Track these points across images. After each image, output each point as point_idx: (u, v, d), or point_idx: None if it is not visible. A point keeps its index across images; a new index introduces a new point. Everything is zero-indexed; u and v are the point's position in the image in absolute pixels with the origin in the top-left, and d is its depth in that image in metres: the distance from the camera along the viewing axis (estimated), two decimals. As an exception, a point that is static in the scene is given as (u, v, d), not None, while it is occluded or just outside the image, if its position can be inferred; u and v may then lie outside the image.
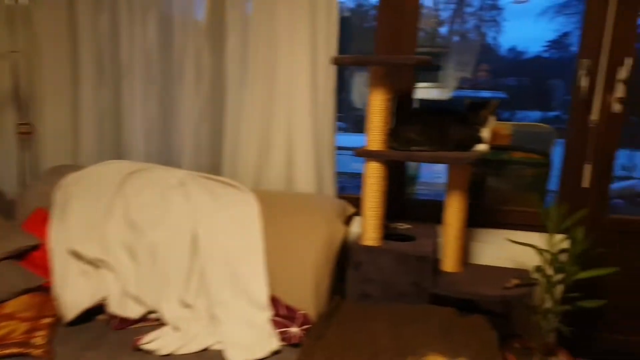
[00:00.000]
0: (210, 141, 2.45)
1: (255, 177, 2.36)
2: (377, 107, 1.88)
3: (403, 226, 2.25)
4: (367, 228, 2.00)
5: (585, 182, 2.15)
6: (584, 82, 2.08)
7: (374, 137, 1.92)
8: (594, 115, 2.09)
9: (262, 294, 1.83)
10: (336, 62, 1.87)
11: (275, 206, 2.05)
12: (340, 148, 2.36)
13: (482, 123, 1.86)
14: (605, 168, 2.13)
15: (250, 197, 2.05)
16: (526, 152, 2.42)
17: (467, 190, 2.00)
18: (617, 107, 2.07)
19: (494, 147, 2.45)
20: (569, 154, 2.17)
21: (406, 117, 1.92)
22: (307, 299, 1.85)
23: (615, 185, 3.59)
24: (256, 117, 2.29)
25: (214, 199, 2.03)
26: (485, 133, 1.87)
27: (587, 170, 2.14)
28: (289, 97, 2.23)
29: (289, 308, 1.82)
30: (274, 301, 1.84)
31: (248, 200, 2.04)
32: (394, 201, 2.40)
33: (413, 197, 2.97)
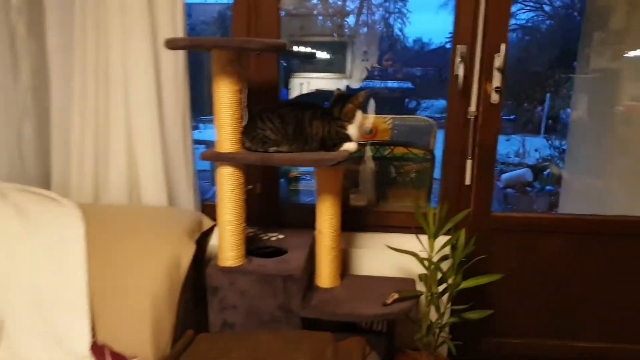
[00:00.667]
0: (36, 144, 1.97)
1: (93, 189, 1.92)
2: (224, 99, 1.55)
3: (276, 236, 1.94)
4: (225, 246, 1.67)
5: (468, 179, 1.99)
6: (460, 71, 1.90)
7: (225, 136, 1.58)
8: (473, 107, 1.93)
9: (82, 342, 1.43)
10: (169, 45, 1.50)
11: (108, 225, 1.65)
12: (199, 142, 2.00)
13: (348, 118, 1.59)
14: (487, 163, 1.98)
15: (74, 216, 1.63)
16: (408, 147, 2.23)
17: (340, 192, 1.74)
18: (494, 97, 1.92)
19: (374, 143, 2.23)
20: (448, 149, 2.00)
21: (263, 112, 1.61)
22: (144, 341, 1.47)
23: (506, 175, 3.60)
24: (89, 112, 1.86)
25: (22, 221, 1.57)
26: (352, 130, 1.61)
27: (469, 166, 1.97)
28: (126, 88, 1.83)
29: (117, 356, 1.44)
30: (98, 350, 1.44)
31: (70, 220, 1.61)
32: (269, 205, 2.09)
33: (294, 198, 2.69)
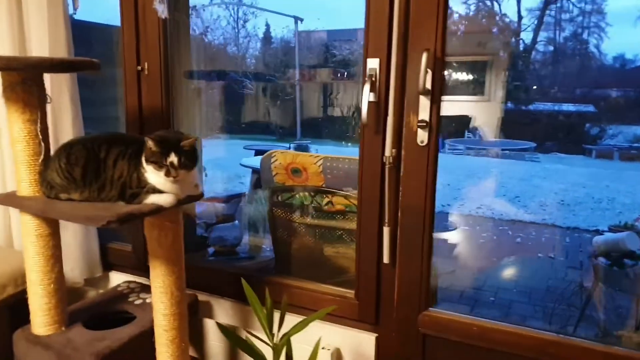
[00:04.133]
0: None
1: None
2: (16, 131, 1.26)
3: (145, 299, 1.57)
4: (33, 309, 1.37)
5: (386, 256, 1.33)
6: (371, 96, 1.29)
7: (21, 176, 1.29)
8: (388, 150, 1.29)
9: None
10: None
11: None
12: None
13: (159, 163, 1.14)
14: (415, 232, 1.30)
15: None
16: (348, 197, 1.63)
17: (180, 256, 1.28)
18: (421, 136, 1.25)
19: (307, 190, 1.70)
20: (362, 210, 1.37)
21: (60, 151, 1.27)
22: None
23: (599, 238, 2.54)
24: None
25: None
26: (155, 177, 1.16)
27: (387, 236, 1.32)
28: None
29: None
30: None
31: None
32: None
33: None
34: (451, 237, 4.50)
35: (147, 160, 1.14)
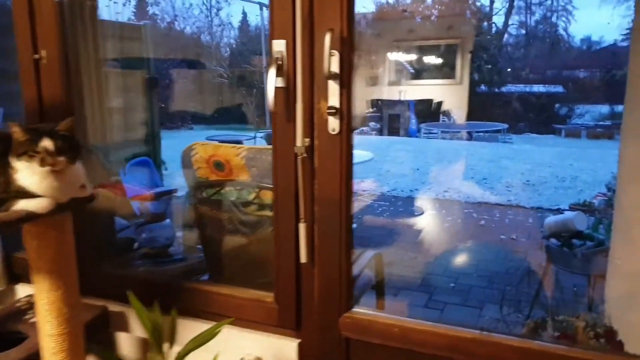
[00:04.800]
0: None
1: None
2: None
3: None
4: None
5: (304, 255, 1.23)
6: (278, 81, 1.18)
7: None
8: (299, 139, 1.18)
9: None
10: None
11: None
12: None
13: (30, 151, 1.01)
14: (333, 228, 1.20)
15: None
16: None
17: (67, 273, 1.16)
18: (332, 124, 1.15)
19: (217, 184, 1.58)
20: (278, 205, 1.27)
21: None
22: None
23: (550, 220, 2.49)
24: None
25: None
26: (28, 178, 1.03)
27: (303, 232, 1.22)
28: None
29: None
30: None
31: None
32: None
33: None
34: (417, 222, 4.46)
35: (17, 155, 1.01)
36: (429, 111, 12.33)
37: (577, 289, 2.71)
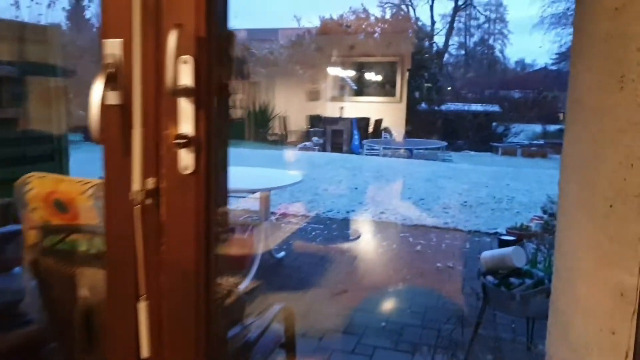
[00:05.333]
0: None
1: None
2: None
3: None
4: None
5: (145, 349, 0.86)
6: (110, 97, 0.82)
7: None
8: (137, 182, 0.82)
9: None
10: None
11: None
12: None
13: None
14: (189, 306, 0.85)
15: None
16: None
17: None
18: (185, 160, 0.80)
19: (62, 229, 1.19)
20: (110, 277, 0.89)
21: None
22: None
23: (486, 254, 2.26)
24: None
25: None
26: None
27: (144, 315, 0.86)
28: None
29: None
30: None
31: None
32: None
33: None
34: (351, 248, 4.18)
35: None
36: (368, 128, 12.27)
37: (516, 333, 2.50)
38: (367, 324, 2.68)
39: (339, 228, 4.65)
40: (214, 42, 0.81)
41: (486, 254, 2.25)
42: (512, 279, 2.09)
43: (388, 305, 3.00)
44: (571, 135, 1.29)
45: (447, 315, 2.78)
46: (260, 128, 12.95)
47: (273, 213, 4.84)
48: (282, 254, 3.77)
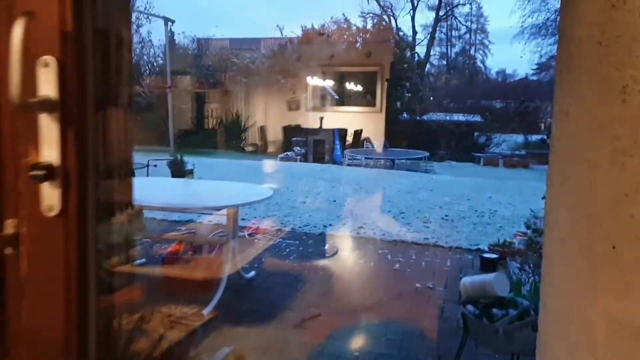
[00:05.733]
0: None
1: None
2: None
3: None
4: None
5: None
6: None
7: None
8: None
9: None
10: None
11: None
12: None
13: None
14: None
15: None
16: None
17: None
18: (48, 196, 0.58)
19: None
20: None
21: None
22: None
23: (467, 280, 2.07)
24: None
25: None
26: None
27: None
28: None
29: None
30: None
31: None
32: None
33: None
34: (327, 266, 3.96)
35: None
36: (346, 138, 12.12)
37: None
38: (339, 355, 2.46)
39: (315, 244, 4.43)
40: (92, 40, 0.60)
41: (466, 280, 2.06)
42: (495, 310, 1.90)
43: (362, 332, 2.78)
44: (559, 154, 1.10)
45: (425, 344, 2.58)
46: (233, 139, 12.67)
47: (246, 228, 4.61)
48: (252, 273, 3.53)
